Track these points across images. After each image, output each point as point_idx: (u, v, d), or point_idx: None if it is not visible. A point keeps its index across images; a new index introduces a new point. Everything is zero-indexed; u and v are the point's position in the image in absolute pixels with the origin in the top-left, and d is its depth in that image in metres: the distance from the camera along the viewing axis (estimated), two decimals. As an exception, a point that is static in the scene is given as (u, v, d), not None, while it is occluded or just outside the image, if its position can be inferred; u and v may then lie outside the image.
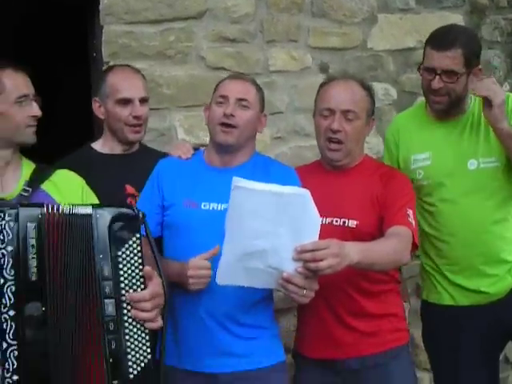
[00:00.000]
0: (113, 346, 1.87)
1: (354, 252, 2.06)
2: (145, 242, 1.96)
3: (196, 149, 2.63)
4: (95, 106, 2.74)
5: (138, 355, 1.90)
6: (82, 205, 1.99)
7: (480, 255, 2.61)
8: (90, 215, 1.91)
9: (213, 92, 2.54)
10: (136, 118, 2.66)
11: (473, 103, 2.66)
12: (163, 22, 3.39)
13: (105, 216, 1.92)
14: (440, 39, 2.56)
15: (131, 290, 1.90)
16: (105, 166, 2.60)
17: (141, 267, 1.91)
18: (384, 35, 3.60)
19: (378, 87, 3.53)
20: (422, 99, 2.83)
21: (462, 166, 2.54)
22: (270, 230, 2.02)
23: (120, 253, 1.91)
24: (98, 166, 2.61)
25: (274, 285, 2.10)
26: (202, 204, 2.36)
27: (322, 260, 1.97)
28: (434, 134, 2.68)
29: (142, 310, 1.89)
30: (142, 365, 1.90)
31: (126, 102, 2.66)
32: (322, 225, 2.30)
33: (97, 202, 2.18)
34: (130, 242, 1.92)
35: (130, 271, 1.91)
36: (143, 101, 2.70)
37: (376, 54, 3.58)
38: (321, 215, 2.29)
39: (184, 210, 2.37)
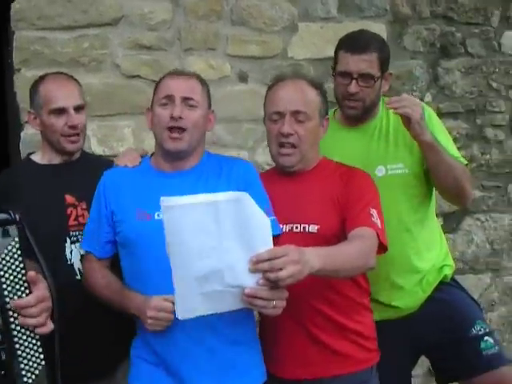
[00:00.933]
0: (3, 358, 1.79)
1: (315, 258, 1.89)
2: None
3: (142, 156, 2.48)
4: (30, 118, 2.62)
5: (31, 363, 1.82)
6: None
7: (391, 263, 2.55)
8: None
9: (153, 93, 2.35)
10: (72, 127, 2.53)
11: (382, 109, 2.62)
12: (77, 29, 3.32)
13: None
14: (354, 43, 2.52)
15: (15, 297, 1.81)
16: (44, 177, 2.51)
17: (23, 272, 1.82)
18: (304, 44, 3.56)
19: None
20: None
21: (370, 172, 2.50)
22: (216, 246, 1.82)
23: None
24: (37, 178, 2.53)
25: (240, 304, 1.90)
26: (156, 214, 2.16)
27: (281, 269, 1.79)
28: (342, 140, 2.62)
29: (30, 317, 1.80)
30: (37, 372, 1.82)
31: (60, 111, 2.53)
32: (282, 233, 2.24)
33: None
34: (9, 247, 1.82)
35: (12, 277, 1.82)
36: (79, 108, 2.57)
37: (296, 62, 3.53)
38: (280, 223, 2.25)
39: (137, 224, 2.19)
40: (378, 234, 2.19)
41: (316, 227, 2.25)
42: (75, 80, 2.65)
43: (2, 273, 1.82)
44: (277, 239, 2.07)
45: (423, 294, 2.64)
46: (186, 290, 1.87)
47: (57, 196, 2.46)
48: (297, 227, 2.27)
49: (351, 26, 3.59)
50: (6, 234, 1.84)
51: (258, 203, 1.92)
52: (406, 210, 2.59)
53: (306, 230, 2.26)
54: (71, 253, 2.41)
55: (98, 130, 3.31)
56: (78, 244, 2.41)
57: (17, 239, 1.84)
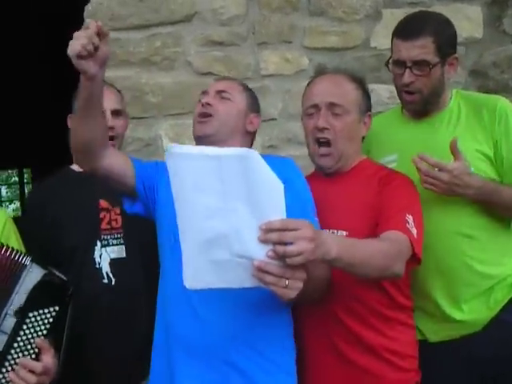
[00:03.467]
0: None
1: (333, 244, 1.68)
2: None
3: None
4: (69, 123, 2.55)
5: None
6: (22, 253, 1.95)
7: (448, 274, 2.23)
8: (24, 266, 1.90)
9: None
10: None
11: (453, 98, 2.33)
12: (149, 28, 3.24)
13: (36, 274, 1.89)
14: (406, 28, 2.26)
15: (20, 354, 1.85)
16: (80, 184, 2.45)
17: (42, 337, 1.86)
18: (389, 32, 3.19)
19: (382, 89, 3.22)
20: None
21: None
22: (221, 207, 1.61)
23: (31, 315, 1.87)
24: (73, 185, 2.48)
25: (252, 281, 1.64)
26: None
27: (291, 243, 1.58)
28: (405, 134, 2.35)
29: (24, 381, 1.82)
30: None
31: None
32: None
33: (15, 240, 2.13)
34: (46, 311, 1.88)
35: (29, 336, 1.86)
36: (116, 113, 2.52)
37: (380, 53, 3.24)
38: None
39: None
40: (411, 242, 1.93)
41: (344, 233, 2.07)
42: (115, 88, 2.59)
43: (24, 327, 1.86)
44: None
45: (488, 313, 2.26)
46: (193, 254, 1.67)
47: (91, 200, 2.41)
48: (326, 232, 2.03)
49: (442, 10, 3.25)
50: (51, 297, 1.89)
51: (297, 201, 1.88)
52: (468, 213, 2.25)
53: (335, 234, 2.08)
54: (100, 256, 2.35)
55: (171, 129, 3.22)
56: (108, 248, 2.36)
57: (57, 308, 1.88)
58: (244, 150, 1.61)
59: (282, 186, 1.60)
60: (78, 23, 3.28)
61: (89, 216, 2.38)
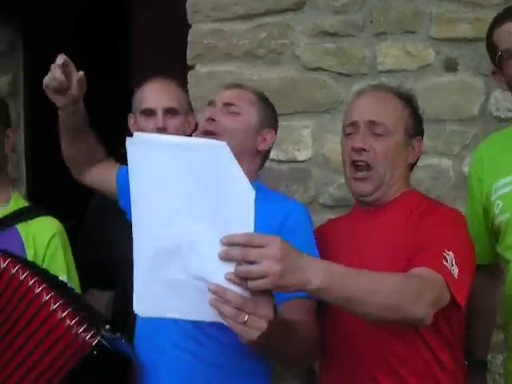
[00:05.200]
0: None
1: (319, 270, 1.38)
2: None
3: None
4: (130, 122, 2.52)
5: None
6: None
7: None
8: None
9: None
10: (158, 129, 2.34)
11: None
12: (255, 17, 2.91)
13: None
14: (503, 12, 1.88)
15: None
16: None
17: None
18: None
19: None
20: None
21: None
22: (181, 209, 1.36)
23: None
24: None
25: (209, 313, 1.35)
26: None
27: (255, 262, 1.32)
28: None
29: None
30: None
31: (149, 113, 2.40)
32: None
33: (61, 258, 2.09)
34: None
35: None
36: (172, 112, 2.41)
37: (523, 44, 2.71)
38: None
39: None
40: (448, 283, 1.61)
41: None
42: (175, 83, 2.46)
43: None
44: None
45: None
46: (145, 269, 1.41)
47: None
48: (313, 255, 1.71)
49: None
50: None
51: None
52: None
53: None
54: None
55: (274, 132, 2.88)
56: None
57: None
58: (214, 143, 1.37)
59: (252, 194, 1.33)
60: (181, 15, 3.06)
61: None
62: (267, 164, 2.90)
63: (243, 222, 1.33)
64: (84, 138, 2.11)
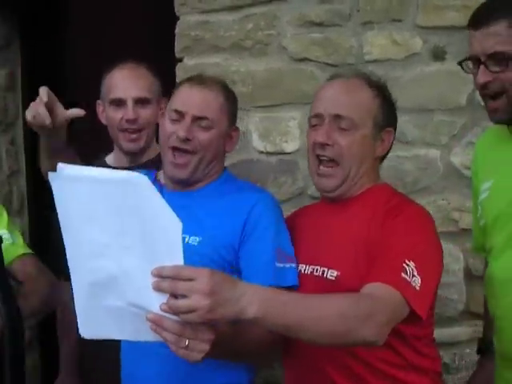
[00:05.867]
0: None
1: (254, 299, 1.37)
2: None
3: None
4: (99, 109, 2.45)
5: None
6: None
7: None
8: None
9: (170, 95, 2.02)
10: (128, 121, 2.31)
11: None
12: (242, 8, 2.89)
13: None
14: (478, 14, 1.76)
15: None
16: None
17: None
18: None
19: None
20: None
21: None
22: (110, 243, 1.37)
23: None
24: None
25: (152, 334, 1.37)
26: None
27: (184, 296, 1.33)
28: (505, 154, 1.85)
29: None
30: None
31: (118, 102, 2.34)
32: (303, 274, 1.81)
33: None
34: None
35: None
36: (142, 102, 2.35)
37: None
38: (303, 262, 1.82)
39: None
40: (406, 297, 1.57)
41: (335, 273, 1.76)
42: (146, 70, 2.37)
43: None
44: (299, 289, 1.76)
45: None
46: (84, 296, 1.43)
47: None
48: (317, 270, 1.80)
49: None
50: None
51: (266, 244, 1.77)
52: None
53: (325, 275, 1.78)
54: None
55: (260, 123, 2.87)
56: None
57: None
58: (133, 175, 1.34)
59: (179, 226, 1.32)
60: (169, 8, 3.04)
61: None
62: (255, 156, 2.94)
63: (172, 254, 1.33)
64: (62, 156, 2.01)
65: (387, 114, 1.86)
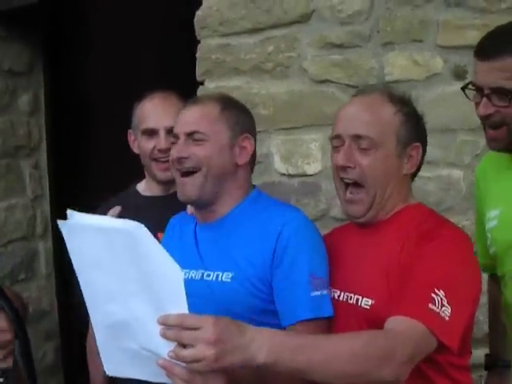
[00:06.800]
0: None
1: (263, 344, 1.34)
2: None
3: None
4: (130, 139, 2.45)
5: None
6: None
7: None
8: None
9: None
10: (161, 151, 2.30)
11: None
12: (262, 31, 2.91)
13: None
14: (484, 44, 1.74)
15: None
16: (140, 211, 2.21)
17: None
18: None
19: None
20: None
21: None
22: (119, 289, 1.39)
23: None
24: (135, 211, 2.23)
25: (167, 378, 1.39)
26: (184, 272, 1.80)
27: (190, 345, 1.31)
28: (508, 182, 1.84)
29: None
30: None
31: (150, 132, 2.34)
32: (337, 301, 1.73)
33: None
34: None
35: None
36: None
37: (534, 49, 2.63)
38: (338, 289, 1.74)
39: None
40: (433, 330, 1.50)
41: (370, 302, 1.67)
42: (176, 98, 2.34)
43: None
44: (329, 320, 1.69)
45: None
46: (104, 337, 1.47)
47: (151, 232, 2.16)
48: (351, 298, 1.71)
49: None
50: None
51: (300, 273, 1.66)
52: None
53: (359, 303, 1.69)
54: None
55: (282, 145, 2.88)
56: None
57: None
58: (131, 225, 1.34)
59: (180, 274, 1.33)
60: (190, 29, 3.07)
61: None
62: (277, 178, 2.94)
63: (176, 301, 1.33)
64: None
65: (412, 129, 1.76)
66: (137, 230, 1.33)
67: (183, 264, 1.80)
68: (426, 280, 1.58)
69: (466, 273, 1.65)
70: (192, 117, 1.80)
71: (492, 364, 2.10)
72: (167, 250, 1.89)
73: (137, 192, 2.45)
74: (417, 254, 1.64)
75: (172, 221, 2.04)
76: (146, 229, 1.34)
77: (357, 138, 1.72)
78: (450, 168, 2.70)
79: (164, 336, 1.33)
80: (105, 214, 2.42)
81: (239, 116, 1.84)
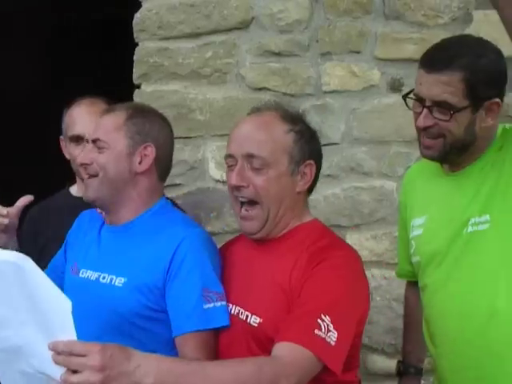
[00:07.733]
0: None
1: (151, 370, 1.39)
2: None
3: None
4: (62, 144, 2.44)
5: None
6: None
7: (499, 366, 1.70)
8: None
9: None
10: None
11: (492, 148, 1.76)
12: (200, 36, 2.88)
13: None
14: (433, 55, 1.73)
15: None
16: (72, 211, 2.21)
17: None
18: None
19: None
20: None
21: (458, 234, 1.74)
22: (10, 316, 1.42)
23: None
24: (66, 210, 2.30)
25: None
26: (81, 271, 1.88)
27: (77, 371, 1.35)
28: (440, 189, 1.84)
29: None
30: None
31: (77, 139, 2.32)
32: (231, 315, 1.74)
33: None
34: None
35: None
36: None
37: (468, 65, 2.67)
38: (231, 302, 1.75)
39: (68, 277, 1.93)
40: (318, 356, 1.53)
41: (258, 320, 1.68)
42: (105, 103, 2.33)
43: None
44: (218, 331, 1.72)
45: None
46: (0, 362, 1.50)
47: None
48: (242, 313, 1.72)
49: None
50: None
51: (193, 286, 1.70)
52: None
53: (248, 320, 1.70)
54: None
55: (218, 151, 2.83)
56: None
57: None
58: (18, 257, 1.37)
59: (68, 304, 1.36)
60: (128, 31, 3.02)
61: None
62: (212, 184, 2.90)
63: (65, 329, 1.37)
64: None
65: (305, 147, 1.76)
66: (24, 262, 1.36)
67: (83, 262, 1.90)
68: (313, 305, 1.58)
69: (353, 294, 1.66)
70: (99, 124, 1.86)
71: (404, 371, 2.12)
72: (70, 241, 2.01)
73: (68, 193, 2.46)
74: (307, 275, 1.64)
75: (82, 214, 2.08)
76: (32, 261, 1.37)
77: (249, 157, 1.71)
78: (384, 179, 2.71)
79: (55, 361, 1.37)
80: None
81: (145, 125, 1.86)
